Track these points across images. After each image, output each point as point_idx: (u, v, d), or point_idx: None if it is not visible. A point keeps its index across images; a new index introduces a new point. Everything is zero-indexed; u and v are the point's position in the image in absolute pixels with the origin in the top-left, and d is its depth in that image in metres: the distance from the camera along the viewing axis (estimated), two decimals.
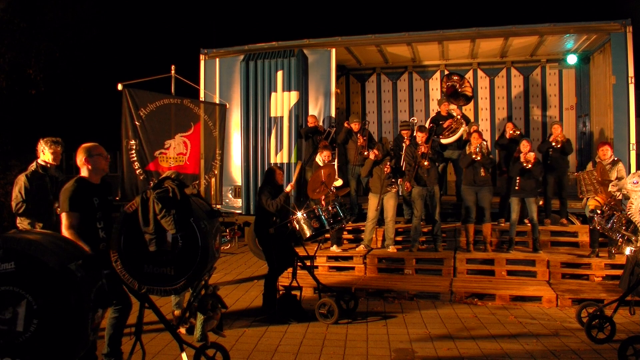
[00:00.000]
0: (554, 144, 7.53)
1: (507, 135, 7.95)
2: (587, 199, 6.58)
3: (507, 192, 7.56)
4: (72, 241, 3.06)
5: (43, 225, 4.82)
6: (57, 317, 2.41)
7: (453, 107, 8.63)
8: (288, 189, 5.84)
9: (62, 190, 3.68)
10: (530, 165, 6.91)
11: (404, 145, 8.15)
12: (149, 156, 6.67)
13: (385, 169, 7.25)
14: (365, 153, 7.71)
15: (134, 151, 6.52)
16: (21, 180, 4.84)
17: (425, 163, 7.21)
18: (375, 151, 7.36)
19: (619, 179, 6.42)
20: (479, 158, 7.08)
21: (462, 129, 8.28)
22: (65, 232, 3.52)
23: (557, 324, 5.28)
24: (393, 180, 7.42)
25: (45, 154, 4.99)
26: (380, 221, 7.68)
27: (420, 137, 7.40)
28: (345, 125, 8.28)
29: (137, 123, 6.54)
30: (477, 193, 7.24)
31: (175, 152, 6.98)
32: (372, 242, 7.80)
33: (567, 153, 7.72)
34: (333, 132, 8.33)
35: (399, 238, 7.96)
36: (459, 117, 8.31)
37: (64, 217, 3.57)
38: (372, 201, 7.51)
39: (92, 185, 3.79)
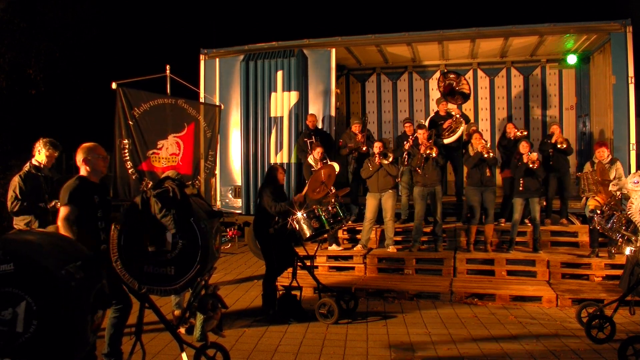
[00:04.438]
0: (559, 145, 7.51)
1: (512, 137, 7.92)
2: (587, 198, 6.60)
3: (509, 193, 7.55)
4: (72, 241, 3.06)
5: (39, 225, 4.82)
6: (56, 319, 2.41)
7: (452, 106, 8.60)
8: (295, 198, 5.78)
9: (63, 186, 3.73)
10: (536, 166, 6.89)
11: (406, 143, 8.09)
12: (142, 156, 6.66)
13: (377, 160, 7.25)
14: (364, 149, 7.82)
15: (126, 150, 6.51)
16: (15, 181, 4.87)
17: (434, 152, 7.16)
18: (379, 148, 7.34)
19: (617, 178, 6.42)
20: (491, 155, 7.07)
21: (462, 128, 8.27)
22: (59, 222, 3.56)
23: (557, 324, 5.28)
24: (386, 152, 7.34)
25: (41, 154, 5.00)
26: (379, 220, 7.67)
27: (421, 134, 7.39)
28: (351, 145, 8.20)
29: (130, 122, 6.53)
30: (482, 194, 7.23)
31: (168, 153, 6.97)
32: (370, 242, 7.81)
33: (568, 153, 7.72)
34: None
35: (398, 238, 7.96)
36: (458, 116, 8.30)
37: (62, 210, 3.61)
38: (371, 202, 7.51)
39: (92, 183, 3.86)
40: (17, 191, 4.80)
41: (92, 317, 2.58)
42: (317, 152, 7.53)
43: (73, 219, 3.58)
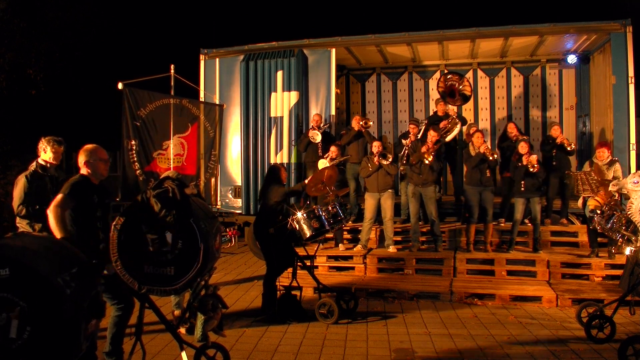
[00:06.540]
0: (567, 147, 7.45)
1: (513, 138, 7.91)
2: (585, 198, 6.59)
3: (508, 193, 7.54)
4: (68, 246, 3.03)
5: (42, 227, 4.79)
6: (50, 325, 2.41)
7: (452, 107, 8.59)
8: (306, 181, 5.83)
9: (67, 180, 3.81)
10: (536, 170, 6.88)
11: (409, 138, 8.06)
12: (149, 157, 6.66)
13: (376, 160, 7.23)
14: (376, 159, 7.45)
15: (134, 151, 6.50)
16: (21, 181, 4.80)
17: (429, 159, 7.17)
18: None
19: (615, 178, 6.42)
20: (495, 156, 7.07)
21: (457, 129, 8.26)
22: (52, 208, 3.57)
23: (557, 324, 5.28)
24: (385, 153, 7.35)
25: (47, 152, 4.95)
26: (380, 221, 7.67)
27: (431, 135, 7.37)
28: (353, 126, 8.20)
29: (137, 123, 6.52)
30: (480, 193, 7.23)
31: (173, 153, 6.98)
32: (370, 242, 7.81)
33: (570, 153, 7.71)
34: (324, 128, 8.30)
35: (398, 238, 7.96)
36: (454, 117, 8.29)
37: (59, 197, 3.64)
38: (370, 202, 7.50)
39: (93, 184, 3.93)
40: (23, 193, 4.76)
41: (86, 325, 2.57)
42: (333, 151, 7.58)
43: (66, 208, 3.61)
